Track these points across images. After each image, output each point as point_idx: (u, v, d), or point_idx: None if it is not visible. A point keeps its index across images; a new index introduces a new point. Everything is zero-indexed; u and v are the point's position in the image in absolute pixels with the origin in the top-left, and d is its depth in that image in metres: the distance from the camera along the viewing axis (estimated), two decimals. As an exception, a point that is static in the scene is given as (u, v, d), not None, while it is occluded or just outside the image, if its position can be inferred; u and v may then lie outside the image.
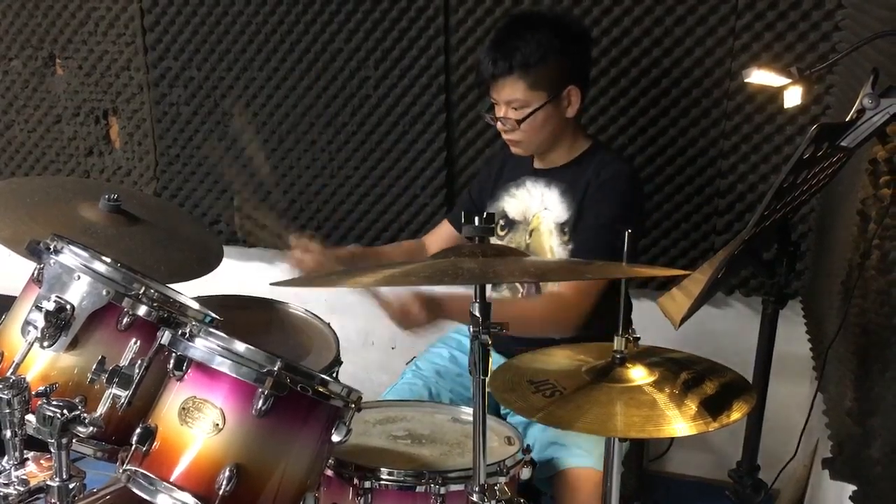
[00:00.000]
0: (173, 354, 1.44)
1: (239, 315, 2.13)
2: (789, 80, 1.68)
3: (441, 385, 2.18)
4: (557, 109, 2.02)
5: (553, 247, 2.10)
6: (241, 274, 2.84)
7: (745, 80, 1.78)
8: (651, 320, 1.98)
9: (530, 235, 2.13)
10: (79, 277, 1.59)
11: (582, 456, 1.90)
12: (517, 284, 2.16)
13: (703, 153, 2.45)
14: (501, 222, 2.20)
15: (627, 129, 2.49)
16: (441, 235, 2.35)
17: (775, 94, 2.04)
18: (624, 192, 2.04)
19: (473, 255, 1.37)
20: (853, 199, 1.73)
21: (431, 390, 2.17)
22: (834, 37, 2.24)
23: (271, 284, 1.43)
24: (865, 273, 1.57)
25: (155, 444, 1.43)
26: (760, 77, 1.74)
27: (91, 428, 1.43)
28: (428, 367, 2.24)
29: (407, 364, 2.31)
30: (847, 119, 1.42)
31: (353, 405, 1.51)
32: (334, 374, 2.06)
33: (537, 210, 2.13)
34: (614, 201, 2.01)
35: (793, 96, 1.70)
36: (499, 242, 2.19)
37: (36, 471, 1.60)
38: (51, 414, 1.40)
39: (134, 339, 1.51)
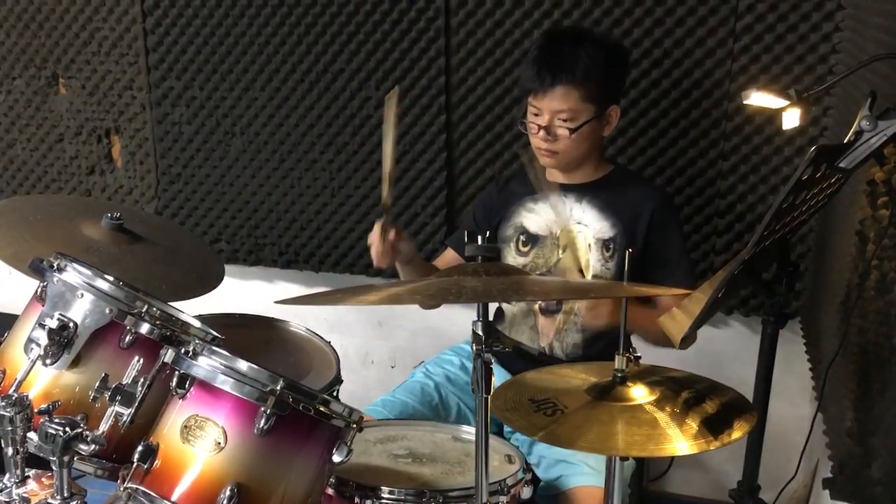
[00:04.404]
0: (176, 372, 1.45)
1: (240, 333, 2.13)
2: (787, 102, 1.70)
3: (450, 391, 2.19)
4: (599, 125, 2.08)
5: (592, 262, 2.11)
6: (242, 292, 2.85)
7: (744, 102, 1.80)
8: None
9: (564, 250, 2.14)
10: (82, 295, 1.59)
11: (590, 474, 1.90)
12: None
13: (701, 174, 2.47)
14: (522, 238, 2.20)
15: (626, 149, 2.50)
16: (444, 262, 2.35)
17: (773, 116, 2.06)
18: (679, 217, 2.31)
19: (477, 273, 1.37)
20: (851, 219, 1.75)
21: (441, 393, 2.19)
22: (831, 59, 2.26)
23: (275, 303, 1.44)
24: (864, 293, 1.58)
25: (156, 462, 1.43)
26: (759, 99, 1.76)
27: (93, 446, 1.43)
28: (438, 371, 2.26)
29: (416, 367, 2.31)
30: (845, 141, 1.44)
31: (355, 425, 1.51)
32: (335, 393, 2.06)
33: (566, 225, 2.14)
34: (681, 230, 2.21)
35: (791, 118, 1.72)
36: (522, 259, 2.20)
37: (37, 489, 1.60)
38: (53, 432, 1.40)
39: (136, 357, 1.52)
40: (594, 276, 2.11)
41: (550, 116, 2.03)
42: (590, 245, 2.11)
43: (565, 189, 2.16)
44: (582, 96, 2.01)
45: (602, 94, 2.04)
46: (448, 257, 2.36)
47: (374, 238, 2.06)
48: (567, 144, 2.05)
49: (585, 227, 2.12)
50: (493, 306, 2.28)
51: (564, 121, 2.03)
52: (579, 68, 1.99)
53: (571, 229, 2.14)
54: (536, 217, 2.19)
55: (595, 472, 1.89)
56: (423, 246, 2.76)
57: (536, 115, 2.06)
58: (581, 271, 2.08)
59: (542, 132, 2.05)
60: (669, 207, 2.17)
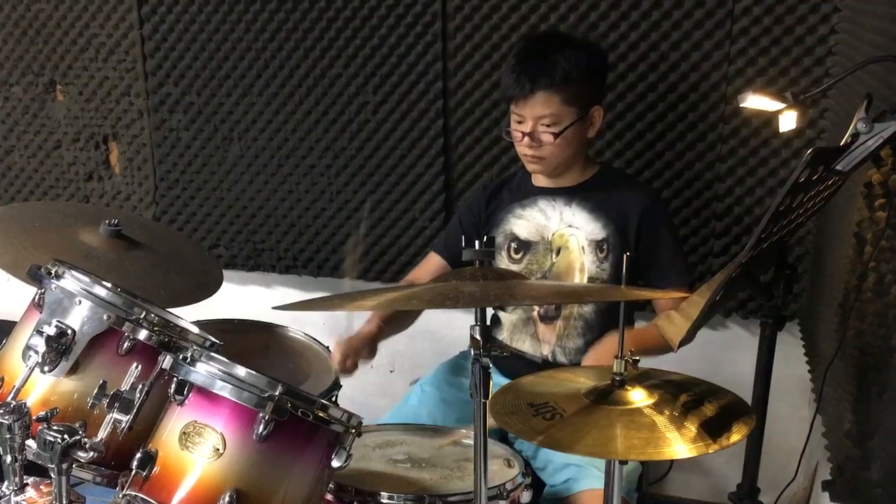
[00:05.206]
0: (174, 379, 1.45)
1: (238, 339, 2.13)
2: (784, 105, 1.70)
3: (448, 413, 2.16)
4: (583, 128, 2.08)
5: (585, 264, 2.11)
6: (241, 298, 2.85)
7: (741, 105, 1.80)
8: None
9: (557, 254, 2.14)
10: (80, 302, 1.59)
11: (599, 478, 1.89)
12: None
13: (699, 177, 2.47)
14: (514, 245, 2.20)
15: (624, 152, 2.51)
16: (431, 268, 2.32)
17: (770, 118, 2.06)
18: (671, 217, 2.27)
19: (474, 278, 1.37)
20: (849, 221, 1.75)
21: (437, 420, 2.14)
22: (828, 61, 2.27)
23: (273, 308, 1.44)
24: (862, 295, 1.58)
25: (155, 469, 1.43)
26: (755, 102, 1.76)
27: (91, 453, 1.43)
28: (433, 393, 2.22)
29: (411, 384, 2.30)
30: (842, 143, 1.44)
31: (354, 430, 1.51)
32: (333, 399, 2.06)
33: (558, 228, 2.14)
34: (673, 229, 2.18)
35: (788, 120, 1.72)
36: (516, 266, 2.19)
37: (35, 496, 1.60)
38: (51, 439, 1.40)
39: (135, 364, 1.52)
40: (589, 279, 2.11)
41: (533, 123, 2.04)
42: (583, 247, 2.11)
43: (553, 193, 2.16)
44: (563, 100, 2.01)
45: (583, 97, 2.04)
46: (432, 262, 2.33)
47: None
48: (552, 150, 2.05)
49: (577, 230, 2.12)
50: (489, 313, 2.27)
51: (548, 126, 2.03)
52: (558, 72, 2.00)
53: (559, 232, 2.14)
54: (526, 223, 2.18)
55: (604, 474, 1.89)
56: (421, 250, 2.77)
57: (520, 122, 2.07)
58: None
59: (526, 139, 2.06)
60: (660, 206, 2.17)
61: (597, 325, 2.13)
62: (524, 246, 2.17)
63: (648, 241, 2.09)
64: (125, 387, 1.49)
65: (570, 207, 2.14)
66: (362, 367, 3.01)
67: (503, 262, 2.20)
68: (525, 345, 2.19)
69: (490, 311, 2.32)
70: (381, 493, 1.61)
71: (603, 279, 2.10)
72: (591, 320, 2.13)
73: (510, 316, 2.24)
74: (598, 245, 2.10)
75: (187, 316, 1.75)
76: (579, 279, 2.12)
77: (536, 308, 2.16)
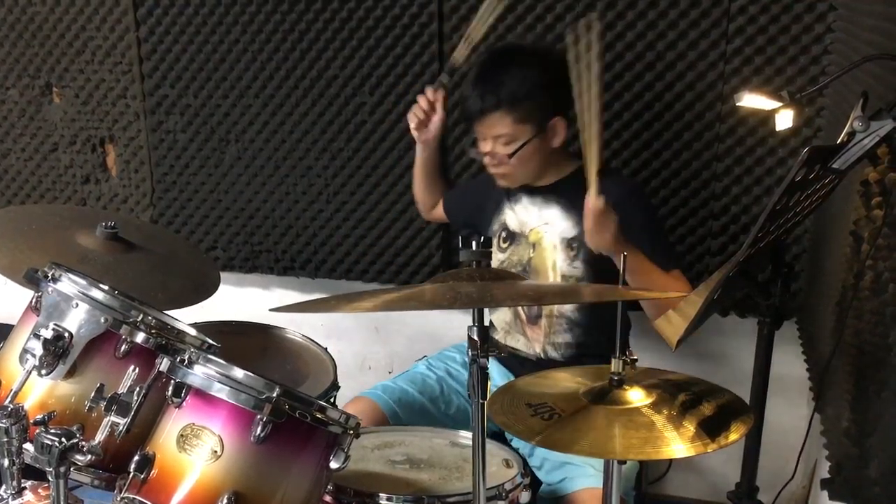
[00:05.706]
0: (172, 381, 1.45)
1: (236, 341, 2.13)
2: (780, 104, 1.70)
3: (452, 386, 2.24)
4: (544, 141, 2.05)
5: (557, 262, 2.11)
6: (238, 300, 2.85)
7: (737, 105, 1.80)
8: (648, 342, 2.00)
9: (533, 249, 2.15)
10: (77, 305, 1.59)
11: (595, 476, 1.89)
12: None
13: (696, 176, 2.47)
14: (503, 234, 2.22)
15: (621, 152, 2.50)
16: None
17: (767, 117, 2.06)
18: (649, 206, 2.22)
19: (471, 278, 1.38)
20: (846, 220, 1.75)
21: (443, 387, 2.22)
22: (824, 60, 2.27)
23: (271, 310, 1.44)
24: (859, 293, 1.58)
25: (153, 471, 1.43)
26: (752, 101, 1.76)
27: (89, 456, 1.43)
28: (440, 365, 2.30)
29: (418, 360, 2.33)
30: (838, 141, 1.44)
31: (352, 431, 1.51)
32: (332, 399, 2.06)
33: (535, 225, 2.15)
34: (650, 217, 2.10)
35: (784, 119, 1.72)
36: (502, 255, 2.22)
37: (33, 500, 1.60)
38: (49, 442, 1.40)
39: (132, 367, 1.52)
40: (562, 276, 2.11)
41: (492, 142, 2.04)
42: (555, 245, 2.12)
43: (532, 191, 2.17)
44: (516, 119, 2.00)
45: (538, 113, 2.01)
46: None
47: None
48: (511, 166, 2.05)
49: (551, 227, 2.13)
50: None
51: (504, 145, 2.03)
52: (504, 94, 1.98)
53: (536, 229, 2.15)
54: (514, 215, 2.21)
55: (601, 473, 1.89)
56: (419, 251, 2.77)
57: (482, 140, 2.07)
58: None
59: (487, 157, 2.06)
60: (632, 197, 2.07)
61: (580, 321, 2.13)
62: (511, 237, 2.21)
63: (624, 235, 2.04)
64: (123, 389, 1.49)
65: (546, 204, 2.15)
66: (362, 368, 3.02)
67: (494, 250, 2.24)
68: (519, 343, 2.21)
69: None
70: (380, 494, 1.62)
71: (577, 277, 2.10)
72: (573, 317, 2.14)
73: (503, 317, 2.26)
74: (568, 243, 2.10)
75: (185, 318, 1.75)
76: (553, 276, 2.12)
77: (522, 310, 2.18)
